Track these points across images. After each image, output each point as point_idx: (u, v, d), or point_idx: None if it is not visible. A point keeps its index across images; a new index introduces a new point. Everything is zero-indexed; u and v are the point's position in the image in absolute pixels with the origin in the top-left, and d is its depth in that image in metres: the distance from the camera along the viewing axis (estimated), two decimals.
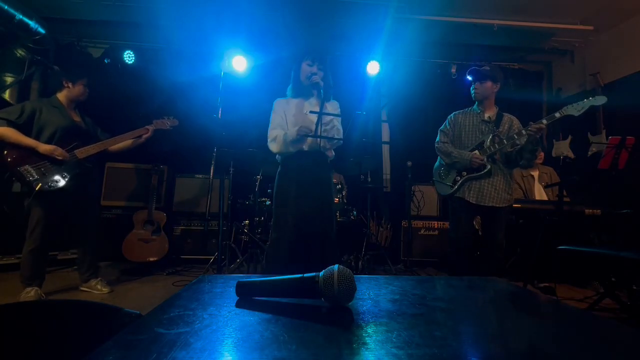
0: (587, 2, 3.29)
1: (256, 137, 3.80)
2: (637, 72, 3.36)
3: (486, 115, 2.25)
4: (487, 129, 2.22)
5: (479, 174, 2.15)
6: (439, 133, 2.39)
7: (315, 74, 1.91)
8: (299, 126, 1.85)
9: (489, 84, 2.21)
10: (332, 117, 1.91)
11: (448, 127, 2.36)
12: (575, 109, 2.04)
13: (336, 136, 1.93)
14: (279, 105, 2.02)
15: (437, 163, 2.42)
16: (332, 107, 2.01)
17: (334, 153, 2.08)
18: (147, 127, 2.56)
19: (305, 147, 1.93)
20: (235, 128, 3.39)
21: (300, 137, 1.85)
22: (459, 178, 2.21)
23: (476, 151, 2.18)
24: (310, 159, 1.95)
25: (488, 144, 2.15)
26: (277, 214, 1.95)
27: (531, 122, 2.07)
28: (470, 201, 2.15)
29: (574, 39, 3.87)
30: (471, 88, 2.27)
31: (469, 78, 2.36)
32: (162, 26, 3.68)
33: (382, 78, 4.33)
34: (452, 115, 2.40)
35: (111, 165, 3.63)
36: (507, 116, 2.26)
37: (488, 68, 2.24)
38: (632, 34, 3.47)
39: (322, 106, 1.84)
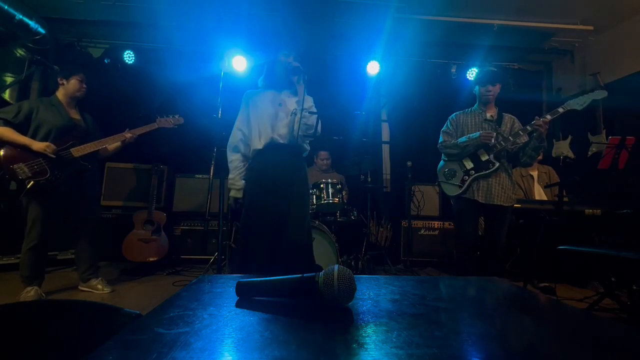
0: (587, 2, 3.29)
1: None
2: (637, 72, 3.35)
3: (488, 115, 2.27)
4: (490, 127, 2.23)
5: (487, 171, 2.15)
6: (441, 134, 2.39)
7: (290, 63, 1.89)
8: (266, 135, 1.84)
9: (499, 85, 2.25)
10: (305, 108, 1.84)
11: (450, 127, 2.36)
12: (577, 104, 2.05)
13: (308, 131, 1.86)
14: (249, 99, 1.97)
15: (440, 163, 2.41)
16: (308, 102, 1.94)
17: (309, 148, 2.02)
18: (131, 130, 2.49)
19: (280, 140, 1.86)
20: None
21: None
22: (467, 177, 2.20)
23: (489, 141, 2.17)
24: (285, 152, 1.87)
25: (493, 141, 2.14)
26: (250, 211, 1.86)
27: (537, 117, 2.06)
28: (479, 200, 2.14)
29: (574, 39, 3.87)
30: (484, 90, 2.25)
31: (471, 79, 2.36)
32: (162, 26, 3.68)
33: (382, 78, 4.32)
34: (453, 115, 2.39)
35: (111, 165, 3.62)
36: (507, 116, 2.28)
37: (496, 70, 2.29)
38: (632, 34, 3.47)
39: (300, 90, 1.84)
